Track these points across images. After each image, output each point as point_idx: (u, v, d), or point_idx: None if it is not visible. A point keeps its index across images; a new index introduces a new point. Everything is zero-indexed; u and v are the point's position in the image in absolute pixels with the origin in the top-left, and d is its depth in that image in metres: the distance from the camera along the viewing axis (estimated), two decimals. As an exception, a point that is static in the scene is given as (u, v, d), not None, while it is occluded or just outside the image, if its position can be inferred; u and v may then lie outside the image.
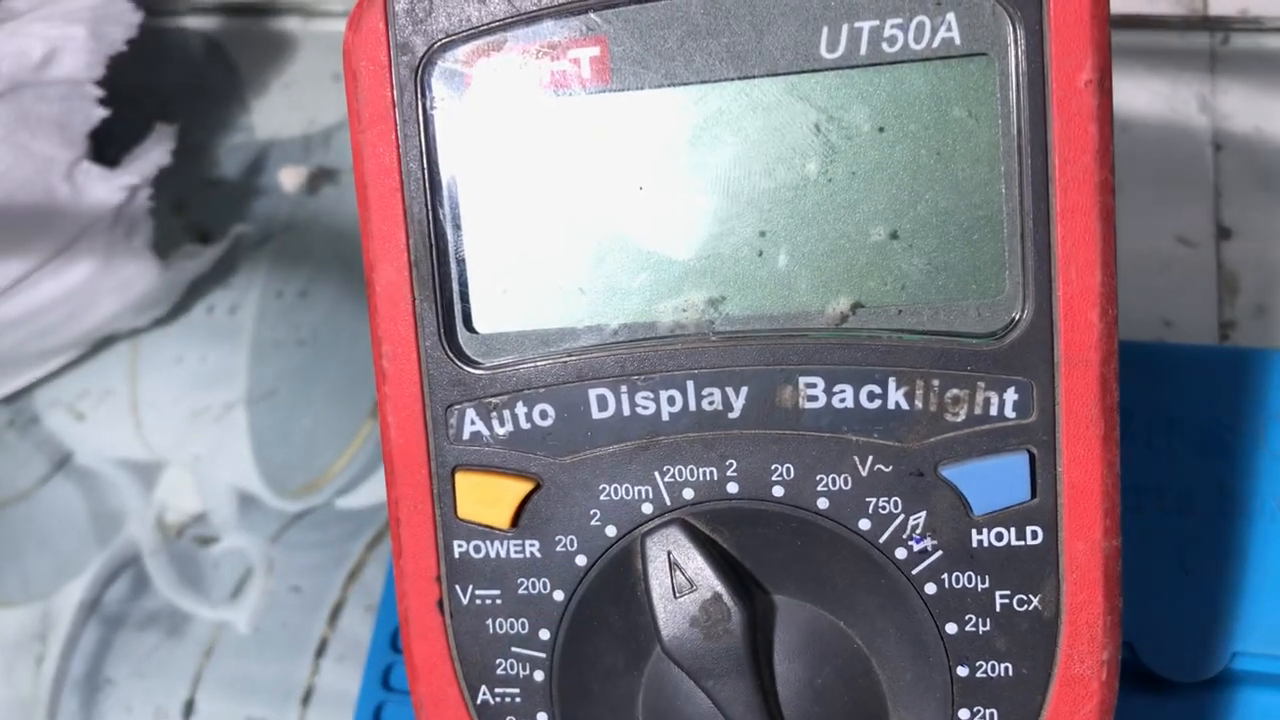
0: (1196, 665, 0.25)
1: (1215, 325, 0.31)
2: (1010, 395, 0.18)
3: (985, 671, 0.19)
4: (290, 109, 0.38)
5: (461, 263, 0.19)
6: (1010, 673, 0.19)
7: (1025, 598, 0.19)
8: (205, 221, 0.37)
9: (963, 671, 0.19)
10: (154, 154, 0.32)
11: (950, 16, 0.18)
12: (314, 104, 0.38)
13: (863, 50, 0.18)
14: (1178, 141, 0.33)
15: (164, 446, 0.34)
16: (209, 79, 0.39)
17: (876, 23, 0.18)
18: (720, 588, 0.19)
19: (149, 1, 0.40)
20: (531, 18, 0.19)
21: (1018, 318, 0.18)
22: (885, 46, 0.18)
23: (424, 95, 0.19)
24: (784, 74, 0.18)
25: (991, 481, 0.19)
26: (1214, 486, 0.27)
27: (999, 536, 0.19)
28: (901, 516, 0.19)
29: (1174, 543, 0.26)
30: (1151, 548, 0.26)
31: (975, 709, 0.19)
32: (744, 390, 0.19)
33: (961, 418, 0.18)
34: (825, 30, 0.18)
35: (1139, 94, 0.34)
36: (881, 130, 0.18)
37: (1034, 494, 0.19)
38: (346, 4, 0.39)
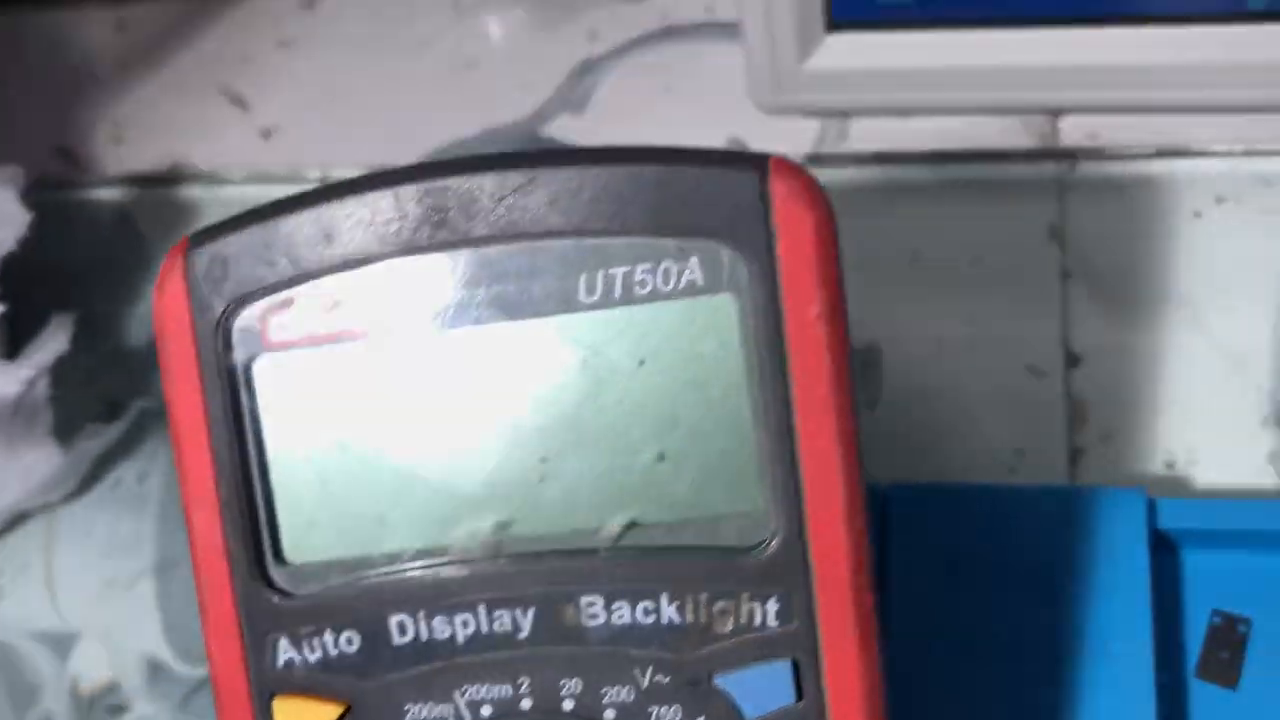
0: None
1: (1066, 453, 0.33)
2: (772, 606, 0.20)
3: None
4: (193, 276, 0.40)
5: (270, 500, 0.21)
6: None
7: (802, 796, 0.20)
8: (114, 391, 0.38)
9: None
10: (52, 344, 0.34)
11: (693, 260, 0.19)
12: (215, 270, 0.39)
13: (617, 293, 0.20)
14: (1028, 271, 0.35)
15: (77, 617, 0.36)
16: (117, 250, 0.41)
17: (628, 269, 0.20)
18: (514, 796, 0.20)
19: (58, 175, 0.43)
20: (319, 274, 0.20)
21: (773, 533, 0.20)
22: (637, 289, 0.20)
23: (225, 349, 0.21)
24: (550, 316, 0.20)
25: (760, 687, 0.20)
26: (1046, 628, 0.28)
27: (773, 739, 0.20)
28: (682, 721, 0.20)
29: (1009, 688, 0.28)
30: (982, 693, 0.28)
31: None
32: (531, 611, 0.20)
33: (730, 628, 0.20)
34: (583, 277, 0.20)
35: (991, 226, 0.35)
36: (642, 363, 0.20)
37: (800, 697, 0.20)
38: (248, 171, 0.41)
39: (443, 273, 0.20)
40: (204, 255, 0.20)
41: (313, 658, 0.21)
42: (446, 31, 0.42)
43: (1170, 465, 0.32)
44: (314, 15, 0.44)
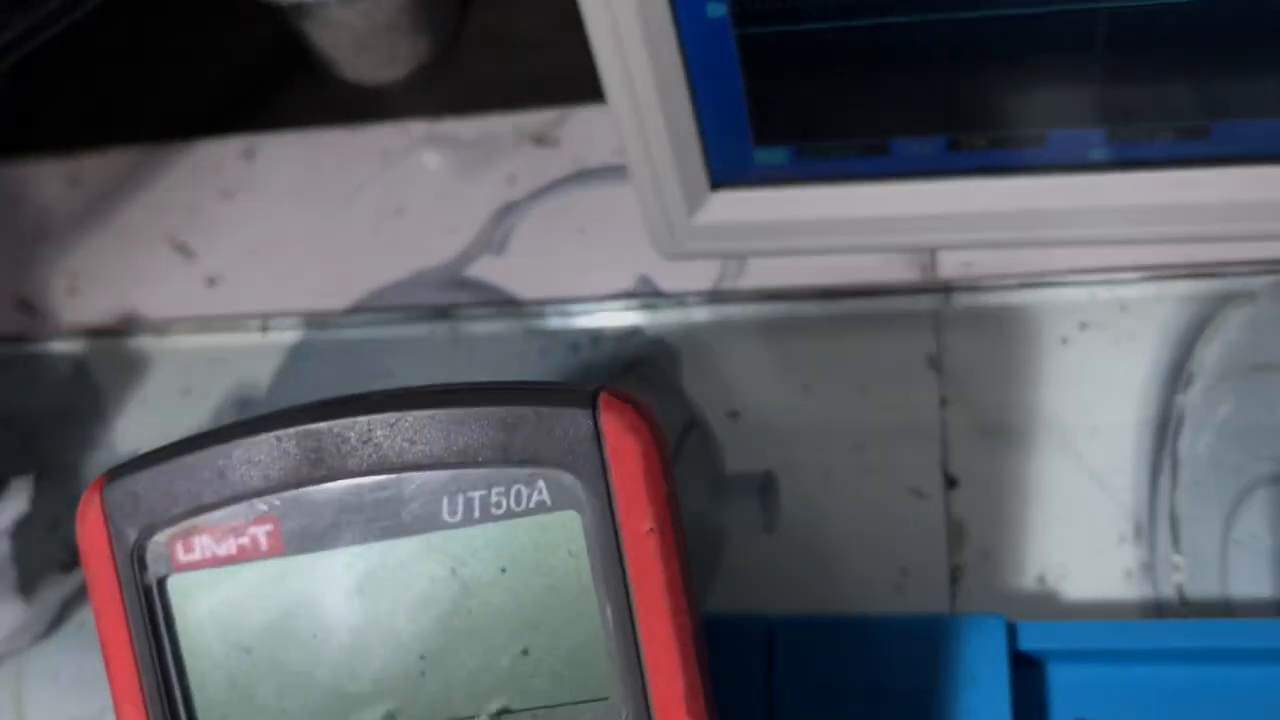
0: None
1: (947, 571, 0.35)
2: (625, 782, 0.23)
3: None
4: (145, 424, 0.43)
5: (187, 698, 0.24)
6: None
7: None
8: (75, 537, 0.41)
9: None
10: (11, 507, 0.37)
11: (541, 484, 0.22)
12: (166, 418, 0.42)
13: (476, 513, 0.23)
14: (910, 400, 0.38)
15: (46, 756, 0.38)
16: (74, 401, 0.44)
17: (484, 492, 0.22)
18: None
19: (18, 329, 0.45)
20: (216, 505, 0.23)
21: (623, 717, 0.23)
22: (493, 509, 0.22)
23: (139, 571, 0.24)
24: (419, 534, 0.23)
25: None
26: (916, 750, 0.31)
27: None
28: None
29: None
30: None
31: None
32: (419, 791, 0.23)
33: (601, 803, 0.23)
34: (445, 501, 0.23)
35: (875, 357, 0.38)
36: (503, 571, 0.23)
37: None
38: (194, 320, 0.44)
39: (323, 501, 0.23)
40: (118, 490, 0.23)
41: (229, 839, 0.24)
42: (376, 180, 0.45)
43: (1041, 580, 0.35)
44: (253, 165, 0.47)
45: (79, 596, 0.40)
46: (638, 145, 0.36)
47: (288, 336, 0.43)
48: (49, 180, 0.49)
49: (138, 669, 0.24)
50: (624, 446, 0.22)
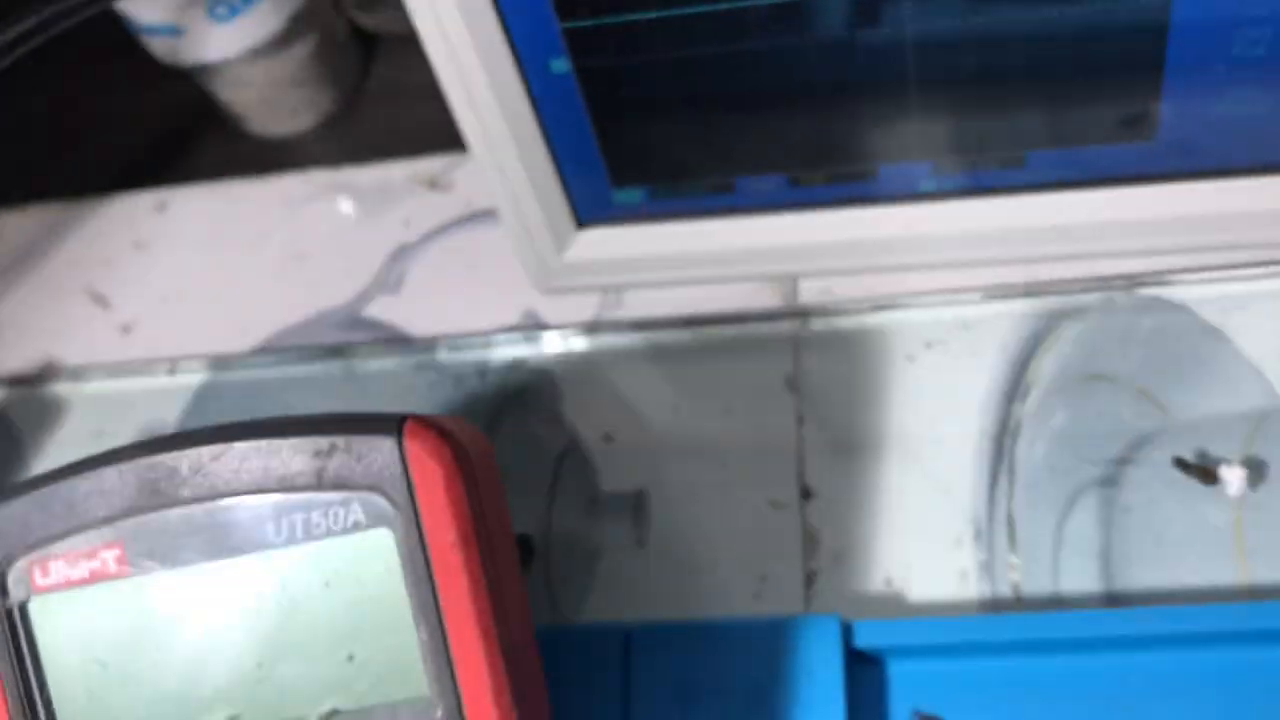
0: None
1: (802, 576, 0.38)
2: (441, 771, 0.25)
3: None
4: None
5: (50, 709, 0.26)
6: None
7: None
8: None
9: None
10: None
11: (355, 505, 0.25)
12: (82, 460, 0.45)
13: (299, 533, 0.25)
14: (769, 418, 0.40)
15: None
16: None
17: (305, 515, 0.25)
18: None
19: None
20: (68, 534, 0.26)
21: (438, 715, 0.25)
22: (314, 529, 0.25)
23: (2, 596, 0.26)
24: (250, 553, 0.25)
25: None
26: (757, 743, 0.33)
27: None
28: None
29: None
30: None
31: None
32: (257, 788, 0.25)
33: (419, 791, 0.25)
34: (271, 522, 0.25)
35: (738, 379, 0.41)
36: (327, 584, 0.25)
37: (468, 843, 0.25)
38: (109, 367, 0.47)
39: (162, 527, 0.25)
40: (-20, 521, 0.26)
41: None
42: (280, 227, 0.48)
43: (889, 582, 0.37)
44: (165, 217, 0.50)
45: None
46: (504, 191, 0.38)
47: (194, 378, 0.45)
48: (-27, 236, 0.51)
49: (2, 685, 0.26)
50: (427, 469, 0.24)
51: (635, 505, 0.40)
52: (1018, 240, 0.38)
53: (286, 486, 0.25)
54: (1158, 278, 0.39)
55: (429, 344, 0.44)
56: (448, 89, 0.35)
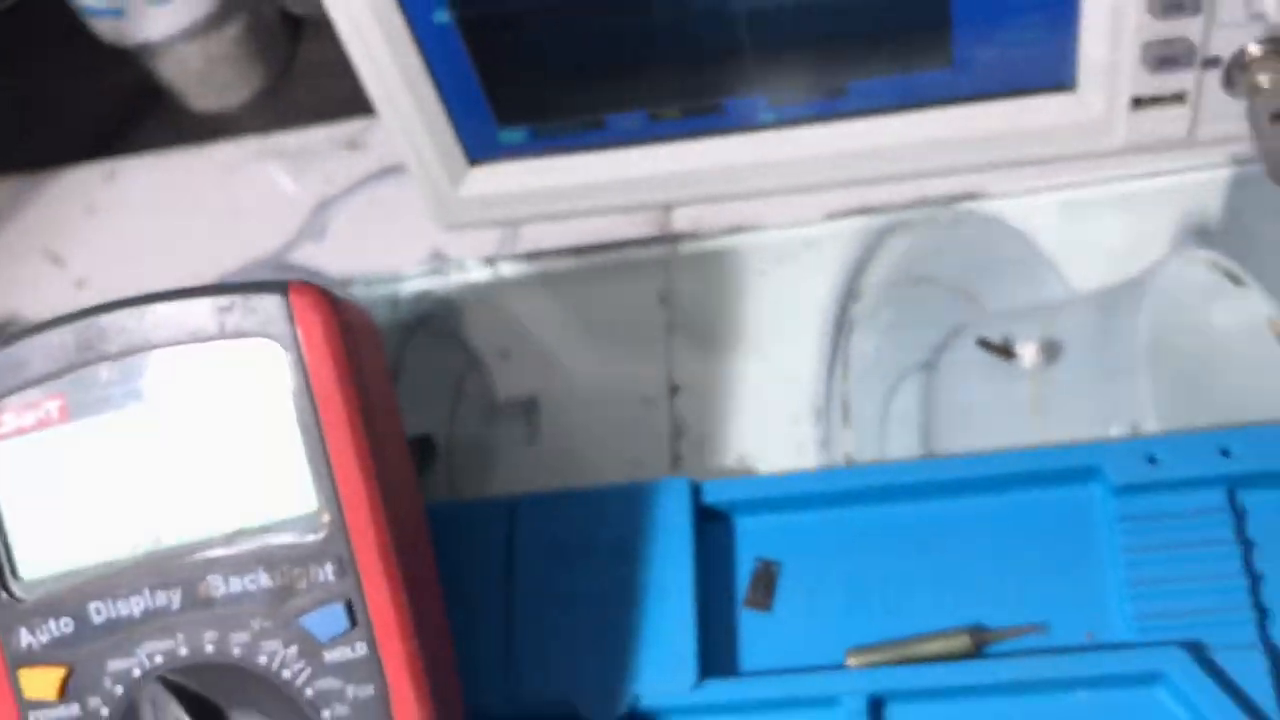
0: (612, 705, 0.37)
1: (669, 459, 0.43)
2: (329, 568, 0.30)
3: (349, 740, 0.31)
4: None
5: (5, 540, 0.32)
6: (365, 737, 0.31)
7: (365, 688, 0.30)
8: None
9: (338, 741, 0.31)
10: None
11: (252, 349, 0.30)
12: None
13: (201, 374, 0.31)
14: (642, 328, 0.46)
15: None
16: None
17: (210, 358, 0.30)
18: (178, 712, 0.30)
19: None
20: (17, 389, 0.31)
21: (325, 520, 0.31)
22: (215, 370, 0.31)
23: (-33, 442, 0.31)
24: (165, 394, 0.31)
25: (326, 621, 0.30)
26: (623, 584, 0.39)
27: (340, 654, 0.30)
28: (282, 652, 0.31)
29: (596, 632, 0.38)
30: (579, 639, 0.38)
31: (348, 766, 0.30)
32: (178, 590, 0.31)
33: (304, 586, 0.31)
34: (183, 368, 0.31)
35: (618, 298, 0.47)
36: (230, 419, 0.31)
37: (354, 625, 0.30)
38: (63, 314, 0.52)
39: (94, 378, 0.31)
40: (-54, 387, 0.31)
41: (42, 639, 0.31)
42: (216, 191, 0.54)
43: (741, 460, 0.43)
44: (113, 185, 0.55)
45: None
46: (404, 136, 0.44)
47: (140, 319, 0.50)
48: (-61, 211, 0.57)
49: (-34, 520, 0.32)
50: (308, 317, 0.30)
51: (527, 409, 0.45)
52: (846, 161, 0.44)
53: (195, 337, 0.30)
54: (970, 194, 0.45)
55: (345, 282, 0.49)
56: (348, 46, 0.41)
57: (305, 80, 0.57)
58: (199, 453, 0.31)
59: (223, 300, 0.30)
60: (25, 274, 0.54)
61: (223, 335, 0.30)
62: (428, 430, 0.45)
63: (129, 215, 0.54)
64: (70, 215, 0.55)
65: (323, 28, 0.57)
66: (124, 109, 0.57)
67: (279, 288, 0.30)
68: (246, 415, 0.31)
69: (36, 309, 0.53)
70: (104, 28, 0.52)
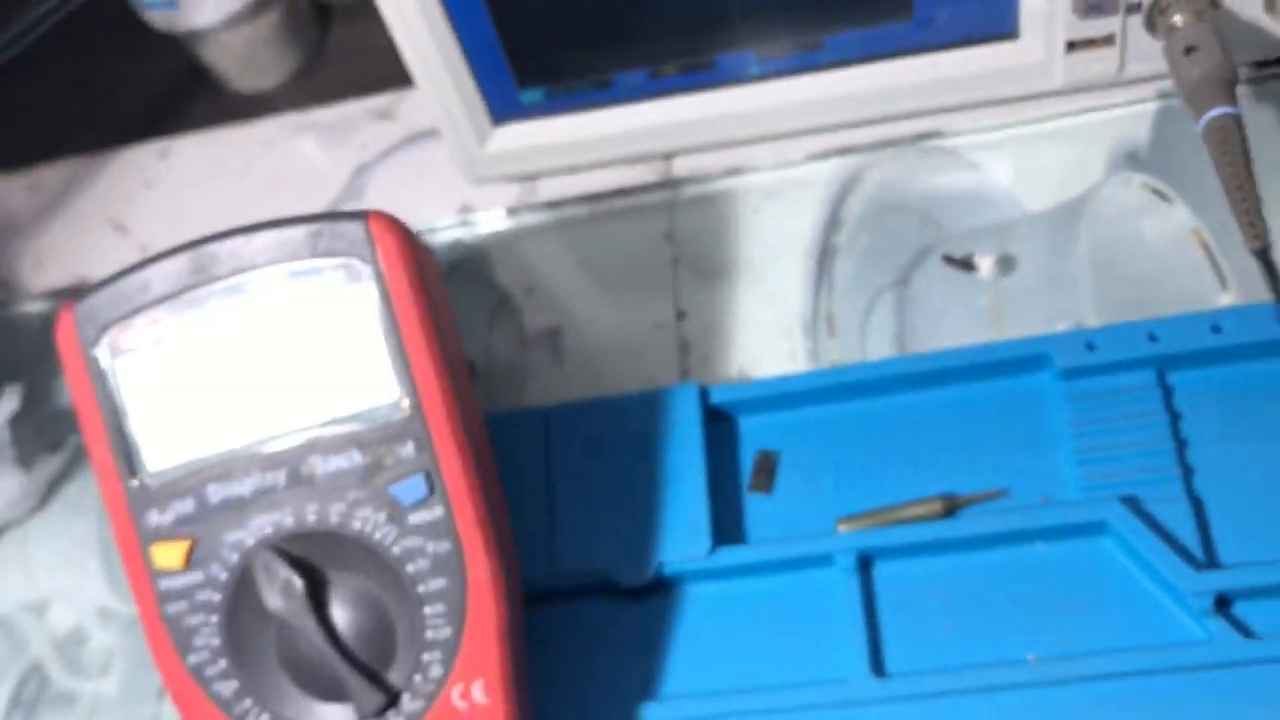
0: (640, 571, 0.44)
1: (678, 374, 0.50)
2: (410, 445, 0.37)
3: (430, 585, 0.37)
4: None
5: (130, 440, 0.38)
6: (444, 583, 0.37)
7: (442, 544, 0.37)
8: (53, 433, 0.55)
9: (421, 588, 0.37)
10: (6, 405, 0.51)
11: (340, 265, 0.37)
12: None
13: (304, 287, 0.37)
14: (650, 263, 0.52)
15: (49, 587, 0.52)
16: (45, 346, 0.58)
17: (307, 274, 0.37)
18: (288, 573, 0.37)
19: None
20: (142, 310, 0.37)
21: (405, 405, 0.37)
22: (314, 282, 0.37)
23: (96, 359, 0.38)
24: (271, 304, 0.37)
25: (409, 490, 0.37)
26: (645, 476, 0.45)
27: (421, 517, 0.37)
28: (373, 518, 0.37)
29: (624, 515, 0.45)
30: (613, 511, 0.45)
31: (432, 603, 0.37)
32: (284, 470, 0.37)
33: (391, 461, 0.37)
34: (284, 282, 0.37)
35: (628, 238, 0.53)
36: (324, 320, 0.37)
37: (432, 492, 0.37)
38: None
39: (207, 296, 0.37)
40: (81, 307, 0.38)
41: (169, 518, 0.38)
42: (260, 163, 0.60)
43: (742, 371, 0.49)
44: (168, 162, 0.62)
45: (62, 474, 0.54)
46: (435, 100, 0.50)
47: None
48: (13, 190, 0.63)
49: (102, 420, 0.38)
50: (386, 240, 0.36)
51: (553, 336, 0.52)
52: (824, 108, 0.50)
53: (293, 255, 0.37)
54: (933, 134, 0.51)
55: (387, 234, 0.56)
56: (388, 20, 0.48)
57: (337, 61, 0.63)
58: (298, 355, 0.37)
59: (314, 227, 0.37)
60: (93, 243, 0.60)
61: (314, 255, 0.37)
62: (468, 357, 0.51)
63: (183, 187, 0.61)
64: (131, 189, 0.61)
65: (349, 14, 0.63)
66: (174, 92, 0.63)
67: (360, 216, 0.37)
68: (337, 322, 0.37)
69: (105, 271, 0.59)
70: (156, 18, 0.58)
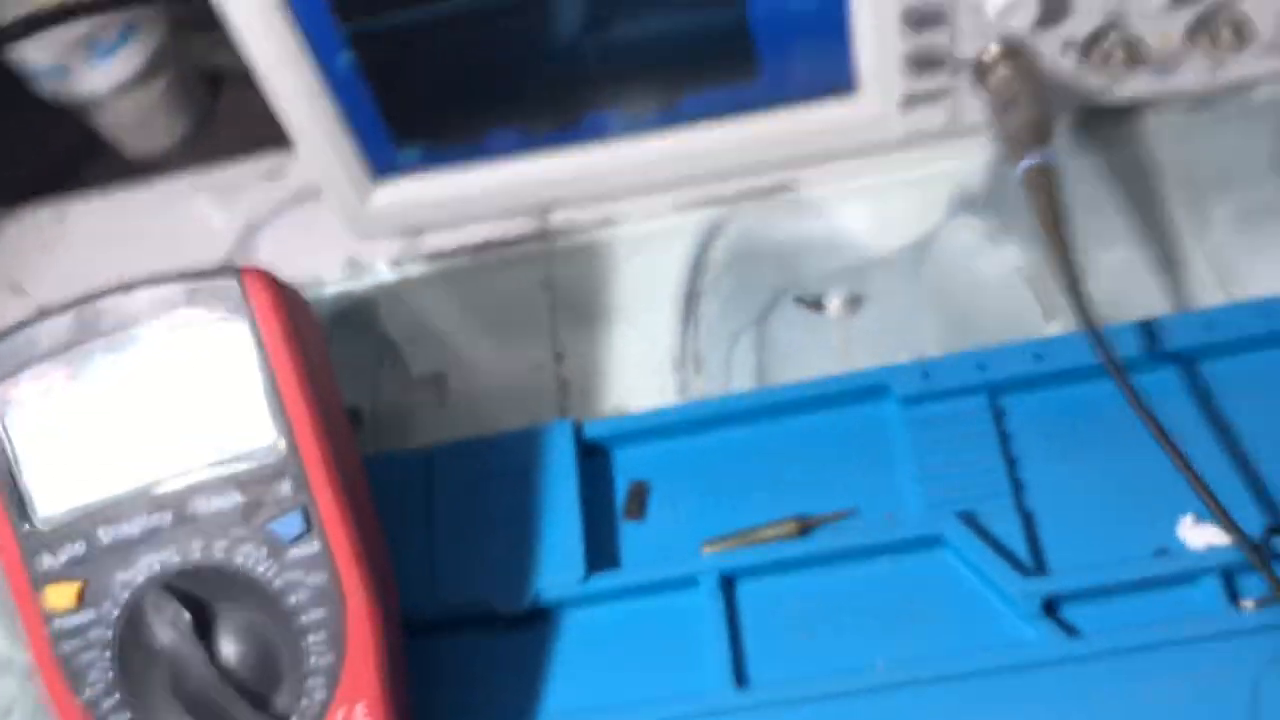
0: (518, 599, 0.46)
1: (557, 412, 0.53)
2: (286, 485, 0.39)
3: (310, 615, 0.39)
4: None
5: (25, 489, 0.40)
6: (324, 613, 0.39)
7: (320, 576, 0.39)
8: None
9: (303, 619, 0.39)
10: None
11: (217, 320, 0.39)
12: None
13: (186, 341, 0.39)
14: (529, 309, 0.55)
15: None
16: None
17: (186, 327, 0.39)
18: (176, 608, 0.39)
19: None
20: (31, 364, 0.40)
21: (281, 446, 0.40)
22: (191, 328, 0.39)
23: (-7, 410, 0.40)
24: (153, 359, 0.40)
25: (287, 526, 0.39)
26: (521, 507, 0.48)
27: (299, 551, 0.39)
28: (255, 553, 0.39)
29: (502, 551, 0.47)
30: (492, 542, 0.47)
31: (313, 632, 0.39)
32: (169, 512, 0.40)
33: (269, 499, 0.39)
34: (159, 329, 0.40)
35: (508, 287, 0.56)
36: (205, 371, 0.40)
37: (309, 528, 0.39)
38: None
39: (92, 350, 0.40)
40: (-28, 363, 0.40)
41: (61, 560, 0.40)
42: (155, 223, 0.62)
43: (617, 407, 0.52)
44: (64, 224, 0.64)
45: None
46: (318, 161, 0.53)
47: (99, 333, 0.59)
48: (-92, 253, 0.64)
49: (-7, 474, 0.40)
50: (259, 292, 0.39)
51: (437, 381, 0.54)
52: (685, 163, 0.54)
53: (173, 309, 0.39)
54: (786, 186, 0.55)
55: (277, 288, 0.58)
56: (266, 87, 0.50)
57: (227, 124, 0.66)
58: (180, 403, 0.40)
59: (191, 283, 0.39)
60: (-8, 304, 0.62)
61: (193, 307, 0.39)
62: (354, 403, 0.54)
63: (80, 249, 0.63)
64: (28, 251, 0.63)
65: (241, 78, 0.66)
66: (69, 155, 0.65)
67: (234, 272, 0.39)
68: (216, 370, 0.40)
69: (4, 332, 0.61)
70: (48, 87, 0.61)
